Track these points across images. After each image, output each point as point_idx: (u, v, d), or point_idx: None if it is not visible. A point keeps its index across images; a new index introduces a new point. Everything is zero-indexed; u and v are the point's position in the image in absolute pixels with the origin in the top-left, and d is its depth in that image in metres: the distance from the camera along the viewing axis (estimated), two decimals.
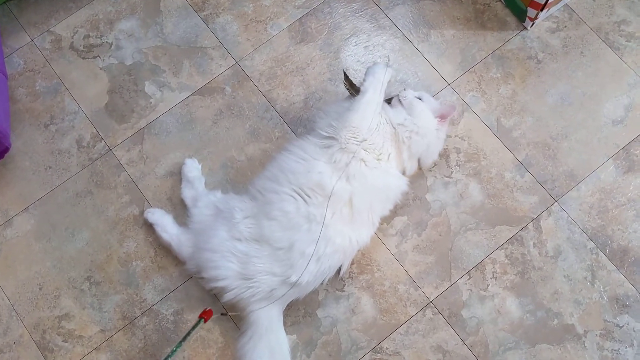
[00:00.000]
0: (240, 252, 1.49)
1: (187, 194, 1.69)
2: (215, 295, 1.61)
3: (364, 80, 1.59)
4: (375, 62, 1.76)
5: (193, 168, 1.72)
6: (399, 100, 1.65)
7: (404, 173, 1.63)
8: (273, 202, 1.51)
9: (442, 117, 1.64)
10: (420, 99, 1.65)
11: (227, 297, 1.50)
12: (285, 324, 1.56)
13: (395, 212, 1.68)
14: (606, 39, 1.86)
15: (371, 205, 1.54)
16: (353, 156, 1.50)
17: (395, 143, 1.59)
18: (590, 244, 1.68)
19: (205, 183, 1.71)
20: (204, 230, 1.56)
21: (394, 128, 1.59)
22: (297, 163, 1.54)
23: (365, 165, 1.52)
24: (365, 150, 1.52)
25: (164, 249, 1.67)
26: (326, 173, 1.50)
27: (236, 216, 1.53)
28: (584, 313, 1.62)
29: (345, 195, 1.50)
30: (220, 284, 1.50)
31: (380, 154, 1.55)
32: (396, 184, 1.59)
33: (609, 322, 1.62)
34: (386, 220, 1.68)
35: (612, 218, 1.70)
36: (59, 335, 1.62)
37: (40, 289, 1.66)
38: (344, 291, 1.65)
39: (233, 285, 1.49)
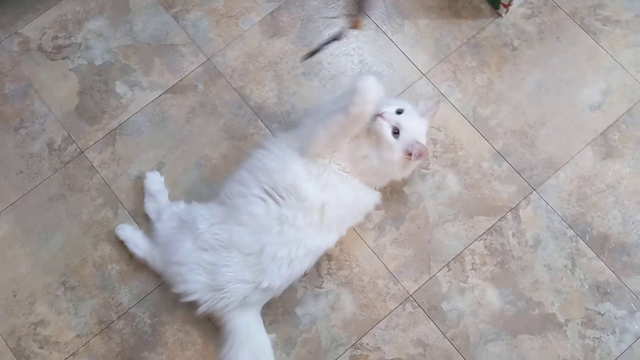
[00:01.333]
0: (208, 262, 1.44)
1: (150, 207, 1.65)
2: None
3: (351, 101, 1.38)
4: (365, 78, 1.38)
5: (155, 181, 1.67)
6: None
7: (375, 188, 1.58)
8: (240, 207, 1.47)
9: (409, 154, 1.48)
10: (397, 131, 1.47)
11: (201, 310, 1.46)
12: (263, 322, 1.54)
13: None
14: (582, 24, 1.84)
15: (342, 217, 1.51)
16: (324, 168, 1.47)
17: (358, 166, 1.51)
18: (570, 232, 1.66)
19: (169, 195, 1.66)
20: (170, 243, 1.52)
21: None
22: (273, 161, 1.50)
23: (336, 176, 1.48)
24: (335, 163, 1.48)
25: None
26: (302, 176, 1.46)
27: (199, 226, 1.48)
28: (564, 302, 1.61)
29: (318, 203, 1.46)
30: (190, 298, 1.46)
31: (344, 168, 1.49)
32: (368, 199, 1.55)
33: (590, 310, 1.60)
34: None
35: (592, 205, 1.68)
36: (34, 342, 1.60)
37: (14, 295, 1.64)
38: (322, 288, 1.63)
39: (204, 298, 1.45)
